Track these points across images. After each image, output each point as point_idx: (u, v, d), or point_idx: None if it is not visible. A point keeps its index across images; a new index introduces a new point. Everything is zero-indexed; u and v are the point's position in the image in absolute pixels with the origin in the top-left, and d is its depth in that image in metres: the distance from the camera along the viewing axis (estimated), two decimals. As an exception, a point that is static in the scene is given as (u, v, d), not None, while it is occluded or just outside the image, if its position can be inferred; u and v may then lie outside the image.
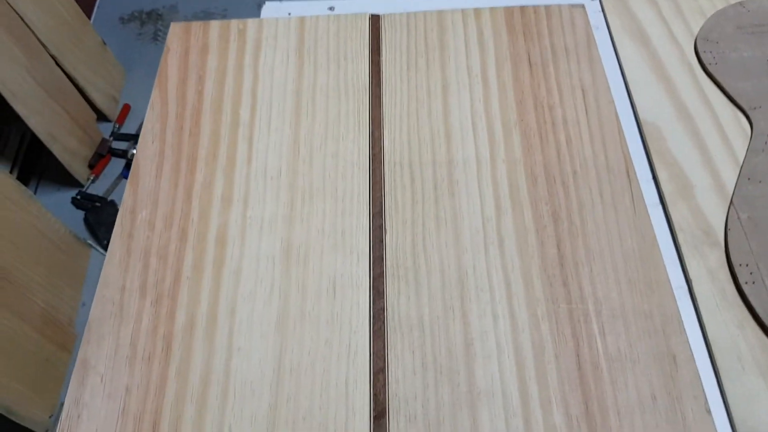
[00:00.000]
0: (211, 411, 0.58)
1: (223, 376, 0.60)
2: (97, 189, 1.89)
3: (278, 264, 0.67)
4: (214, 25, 0.87)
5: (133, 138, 1.98)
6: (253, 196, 0.72)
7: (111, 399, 0.59)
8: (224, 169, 0.74)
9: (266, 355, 0.61)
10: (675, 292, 0.64)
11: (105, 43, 2.02)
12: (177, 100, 0.80)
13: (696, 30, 0.85)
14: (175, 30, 0.87)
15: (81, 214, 1.84)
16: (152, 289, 0.65)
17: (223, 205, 0.71)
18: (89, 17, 2.18)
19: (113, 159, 1.95)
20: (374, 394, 0.59)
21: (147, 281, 0.66)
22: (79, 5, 1.90)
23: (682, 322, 0.62)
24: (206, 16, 2.25)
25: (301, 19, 0.88)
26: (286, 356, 0.61)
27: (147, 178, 0.74)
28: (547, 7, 0.88)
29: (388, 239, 0.69)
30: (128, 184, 0.73)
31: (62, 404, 1.55)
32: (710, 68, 0.80)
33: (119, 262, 0.67)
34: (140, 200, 0.72)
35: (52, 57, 1.77)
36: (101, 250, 1.77)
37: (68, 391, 0.59)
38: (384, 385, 0.60)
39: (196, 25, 0.87)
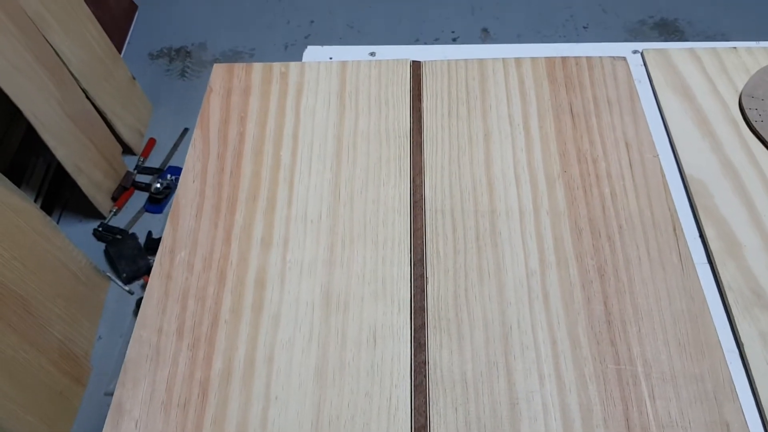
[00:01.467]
0: (247, 463, 0.56)
1: (260, 427, 0.58)
2: (119, 221, 1.89)
3: (317, 310, 0.66)
4: (257, 67, 0.87)
5: (157, 172, 1.98)
6: (293, 239, 0.71)
7: (145, 446, 0.57)
8: (264, 211, 0.73)
9: (304, 405, 0.59)
10: (726, 355, 0.62)
11: (134, 78, 2.04)
12: (219, 140, 0.80)
13: (740, 86, 0.84)
14: (218, 71, 0.87)
15: (102, 246, 1.84)
16: (189, 333, 0.64)
17: (263, 248, 0.70)
18: (120, 52, 2.20)
19: (136, 192, 1.95)
20: (415, 452, 0.57)
21: (184, 324, 0.65)
22: (111, 40, 1.93)
23: (734, 388, 0.60)
24: (234, 54, 2.28)
25: (343, 64, 0.88)
26: (324, 408, 0.59)
27: (187, 218, 0.73)
28: (589, 59, 0.88)
29: (430, 289, 0.67)
30: (168, 223, 0.72)
31: (73, 439, 1.53)
32: (756, 125, 0.79)
33: (157, 303, 0.66)
34: (179, 240, 0.71)
35: (83, 90, 1.79)
36: (120, 283, 1.76)
37: (102, 436, 0.58)
38: (426, 443, 0.58)
39: (238, 67, 0.88)
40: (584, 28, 2.31)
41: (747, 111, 0.81)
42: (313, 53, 0.91)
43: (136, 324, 0.64)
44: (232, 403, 0.60)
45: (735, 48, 0.89)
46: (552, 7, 2.37)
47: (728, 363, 0.62)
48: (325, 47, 0.91)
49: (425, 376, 0.61)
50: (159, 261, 0.69)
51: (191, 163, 0.78)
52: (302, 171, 0.77)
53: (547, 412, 0.59)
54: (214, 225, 0.72)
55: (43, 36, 1.65)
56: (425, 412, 0.59)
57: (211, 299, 0.67)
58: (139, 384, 0.61)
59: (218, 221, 0.73)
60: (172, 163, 2.02)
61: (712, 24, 2.29)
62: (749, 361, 0.62)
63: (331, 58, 0.90)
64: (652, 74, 0.87)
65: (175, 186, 1.91)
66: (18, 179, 1.83)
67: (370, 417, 0.59)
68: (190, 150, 0.79)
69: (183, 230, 0.72)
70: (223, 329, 0.64)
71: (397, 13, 2.36)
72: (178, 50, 2.31)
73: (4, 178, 1.39)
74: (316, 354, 0.63)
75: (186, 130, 2.09)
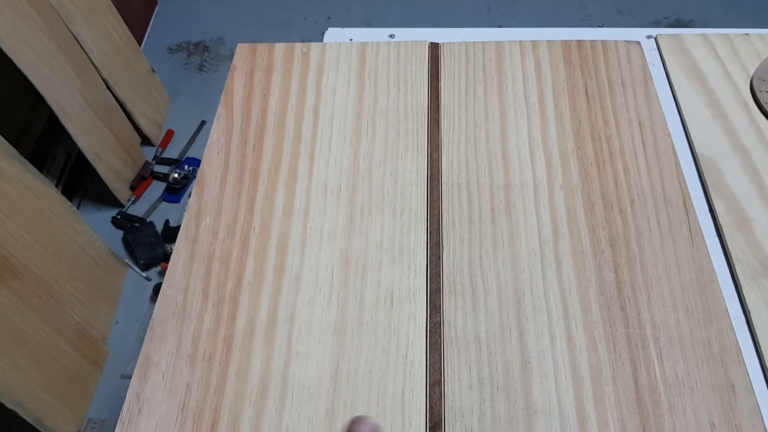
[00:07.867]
0: (269, 413, 0.59)
1: (282, 380, 0.61)
2: (137, 210, 1.93)
3: (337, 274, 0.68)
4: (279, 47, 0.90)
5: (175, 162, 2.02)
6: (313, 208, 0.74)
7: (172, 395, 0.60)
8: (286, 182, 0.76)
9: (324, 361, 0.62)
10: (733, 322, 0.64)
11: (153, 71, 2.08)
12: (242, 115, 0.83)
13: (752, 70, 0.86)
14: (242, 50, 0.90)
15: (120, 233, 1.87)
16: (214, 293, 0.67)
17: (284, 216, 0.73)
18: (140, 45, 2.24)
19: (154, 182, 1.99)
20: (430, 406, 0.59)
21: (209, 284, 0.67)
22: (132, 33, 1.97)
23: (740, 352, 0.62)
24: (252, 49, 2.31)
25: (363, 45, 0.90)
26: (343, 363, 0.62)
27: (212, 187, 0.75)
28: (604, 42, 0.90)
29: (445, 256, 0.69)
30: (193, 192, 0.75)
31: (89, 420, 1.56)
32: (766, 107, 0.81)
33: (183, 264, 0.69)
34: (204, 207, 0.74)
35: (104, 81, 1.82)
36: (138, 270, 1.79)
37: (130, 385, 0.60)
38: (440, 398, 0.60)
39: (261, 47, 0.90)
40: (599, 27, 2.33)
41: (758, 94, 0.83)
42: (333, 35, 0.93)
43: (163, 284, 0.67)
44: (255, 357, 0.62)
45: (747, 34, 0.91)
46: (568, 7, 2.39)
47: (735, 329, 0.63)
48: (345, 29, 0.94)
49: (440, 336, 0.63)
50: (185, 226, 0.72)
51: (215, 136, 0.81)
52: (323, 145, 0.80)
53: (558, 370, 0.61)
54: (238, 194, 0.75)
55: (67, 27, 1.68)
56: (440, 368, 0.61)
57: (234, 262, 0.69)
58: (165, 339, 0.64)
59: (241, 191, 0.75)
60: (190, 154, 2.05)
61: (727, 26, 2.29)
62: (756, 328, 0.64)
63: (351, 40, 0.93)
64: (665, 58, 0.89)
65: (193, 177, 1.95)
66: (39, 167, 1.86)
67: (387, 372, 0.61)
68: (215, 125, 0.82)
69: (208, 198, 0.75)
70: (247, 290, 0.67)
71: (414, 10, 2.39)
72: (196, 45, 2.35)
73: (28, 163, 1.42)
74: (335, 314, 0.65)
75: (203, 122, 2.12)
